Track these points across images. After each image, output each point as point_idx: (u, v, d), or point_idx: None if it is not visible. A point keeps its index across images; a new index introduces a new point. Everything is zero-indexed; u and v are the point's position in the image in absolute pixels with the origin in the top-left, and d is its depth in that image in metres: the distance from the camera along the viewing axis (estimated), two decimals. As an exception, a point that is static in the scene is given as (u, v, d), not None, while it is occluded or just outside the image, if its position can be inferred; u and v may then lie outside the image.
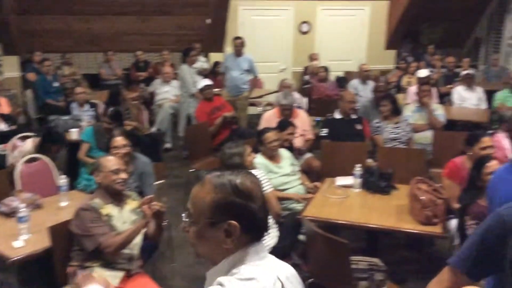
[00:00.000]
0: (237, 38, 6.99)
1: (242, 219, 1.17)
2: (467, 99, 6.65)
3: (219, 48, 8.86)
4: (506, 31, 9.27)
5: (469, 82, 6.74)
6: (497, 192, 2.09)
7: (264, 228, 1.24)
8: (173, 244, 4.00)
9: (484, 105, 6.59)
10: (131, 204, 2.86)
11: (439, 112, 5.46)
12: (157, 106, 7.06)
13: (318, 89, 7.54)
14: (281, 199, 3.71)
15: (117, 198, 2.80)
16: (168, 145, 6.84)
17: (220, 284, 1.13)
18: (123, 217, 2.77)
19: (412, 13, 9.11)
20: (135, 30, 8.53)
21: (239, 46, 6.84)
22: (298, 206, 3.74)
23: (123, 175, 2.80)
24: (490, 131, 4.79)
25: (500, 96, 6.38)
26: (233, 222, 1.16)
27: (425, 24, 9.66)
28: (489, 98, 6.61)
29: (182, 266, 3.86)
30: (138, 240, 2.77)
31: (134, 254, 2.78)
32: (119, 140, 3.57)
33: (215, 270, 1.22)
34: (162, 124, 6.80)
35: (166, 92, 7.12)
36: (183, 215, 1.26)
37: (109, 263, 2.70)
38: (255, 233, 1.21)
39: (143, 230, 2.76)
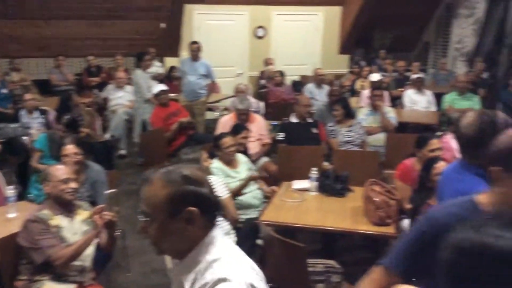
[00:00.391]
0: (194, 42, 6.95)
1: (198, 204, 1.26)
2: (418, 102, 6.87)
3: (175, 53, 8.77)
4: (453, 35, 9.64)
5: (419, 85, 6.97)
6: (445, 192, 2.15)
7: (218, 209, 1.35)
8: (128, 253, 3.91)
9: (433, 108, 6.82)
10: (82, 214, 2.77)
11: (391, 115, 5.61)
12: (111, 112, 6.90)
13: (274, 93, 7.59)
14: (237, 194, 3.75)
15: (67, 208, 2.71)
16: (122, 152, 6.69)
17: (224, 280, 1.19)
18: (74, 228, 2.68)
19: (364, 19, 9.34)
20: (86, 34, 8.31)
21: (195, 50, 6.81)
22: (256, 211, 3.75)
23: (73, 185, 2.71)
24: (439, 133, 4.96)
25: (448, 98, 6.62)
26: (191, 208, 1.24)
27: (377, 30, 9.92)
28: (438, 100, 6.84)
29: (137, 276, 3.77)
30: (89, 251, 2.68)
31: (86, 265, 2.70)
32: (70, 148, 3.46)
33: (190, 260, 1.27)
34: (116, 131, 6.65)
35: (120, 98, 6.97)
36: (139, 217, 1.30)
37: (59, 276, 2.61)
38: (212, 214, 1.32)
39: (95, 241, 2.68)
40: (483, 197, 1.44)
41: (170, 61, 8.66)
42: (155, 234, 1.28)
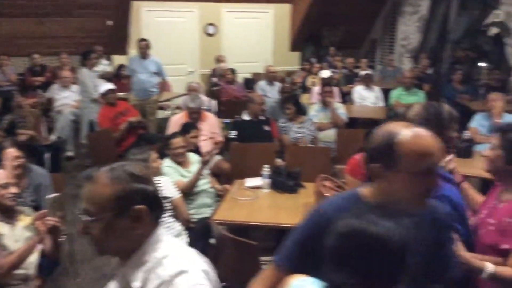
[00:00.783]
0: (142, 40, 6.82)
1: (145, 202, 1.24)
2: (366, 98, 7.03)
3: (123, 51, 8.56)
4: (399, 32, 9.94)
5: (367, 81, 7.14)
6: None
7: (162, 207, 1.35)
8: (76, 258, 3.77)
9: (381, 103, 7.00)
10: (24, 220, 2.64)
11: (341, 110, 5.70)
12: (56, 113, 6.65)
13: (226, 91, 7.56)
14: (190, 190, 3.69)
15: (8, 214, 2.58)
16: (70, 154, 6.46)
17: (181, 272, 1.20)
18: (16, 235, 2.55)
19: (313, 17, 9.46)
20: (30, 33, 7.95)
21: (144, 48, 6.68)
22: (208, 210, 3.72)
23: (14, 189, 2.58)
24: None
25: (395, 94, 6.81)
26: (139, 206, 1.22)
27: (326, 27, 10.08)
28: (386, 96, 7.04)
29: (87, 281, 3.65)
30: (33, 258, 2.56)
31: (29, 273, 2.57)
32: (11, 152, 3.29)
33: (137, 259, 1.25)
34: (63, 132, 6.41)
35: (66, 98, 6.72)
36: (81, 216, 1.25)
37: (2, 286, 2.47)
38: (158, 212, 1.31)
39: (39, 247, 2.56)
40: (367, 191, 1.48)
41: (119, 59, 8.44)
42: (99, 234, 1.23)
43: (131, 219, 1.23)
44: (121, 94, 6.36)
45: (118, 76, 7.71)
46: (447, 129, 1.94)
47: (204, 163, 3.81)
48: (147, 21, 8.75)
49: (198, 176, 3.73)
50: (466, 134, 4.68)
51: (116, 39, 8.43)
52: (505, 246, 1.81)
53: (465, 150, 4.20)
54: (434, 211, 1.51)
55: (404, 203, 1.29)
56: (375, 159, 1.41)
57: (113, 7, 8.01)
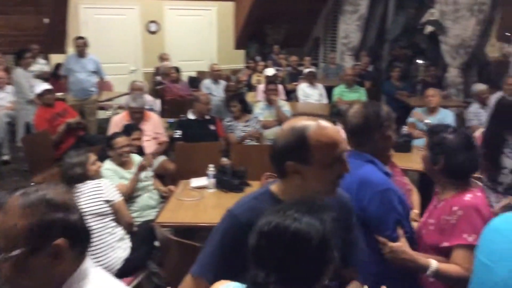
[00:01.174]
0: (79, 38, 6.60)
1: (66, 235, 1.07)
2: (310, 95, 7.14)
3: (61, 50, 8.23)
4: (340, 31, 10.14)
5: (311, 79, 7.24)
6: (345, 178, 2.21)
7: (89, 238, 1.17)
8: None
9: (325, 100, 7.13)
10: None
11: (286, 108, 5.75)
12: (-10, 115, 6.30)
13: (171, 90, 7.43)
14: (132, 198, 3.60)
15: None
16: (5, 158, 6.14)
17: None
18: None
19: (256, 15, 9.49)
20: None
21: (81, 46, 6.46)
22: (152, 212, 3.64)
23: None
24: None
25: (338, 91, 6.96)
26: (58, 241, 1.05)
27: (269, 25, 10.14)
28: (329, 93, 7.17)
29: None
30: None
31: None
32: None
33: None
34: (-3, 135, 6.09)
35: (0, 99, 6.38)
36: None
37: None
38: (83, 245, 1.14)
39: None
40: (277, 189, 1.50)
41: (57, 58, 8.11)
42: (10, 273, 1.04)
43: (49, 255, 1.05)
44: (58, 94, 6.12)
45: (55, 76, 7.41)
46: (385, 128, 1.98)
47: (141, 168, 3.71)
48: (85, 19, 8.46)
49: (135, 180, 3.64)
50: (404, 129, 4.84)
51: (53, 37, 8.10)
52: (445, 244, 1.84)
53: (404, 145, 4.34)
54: (340, 197, 1.55)
55: (317, 195, 1.29)
56: (288, 156, 1.41)
57: (50, 4, 7.67)
